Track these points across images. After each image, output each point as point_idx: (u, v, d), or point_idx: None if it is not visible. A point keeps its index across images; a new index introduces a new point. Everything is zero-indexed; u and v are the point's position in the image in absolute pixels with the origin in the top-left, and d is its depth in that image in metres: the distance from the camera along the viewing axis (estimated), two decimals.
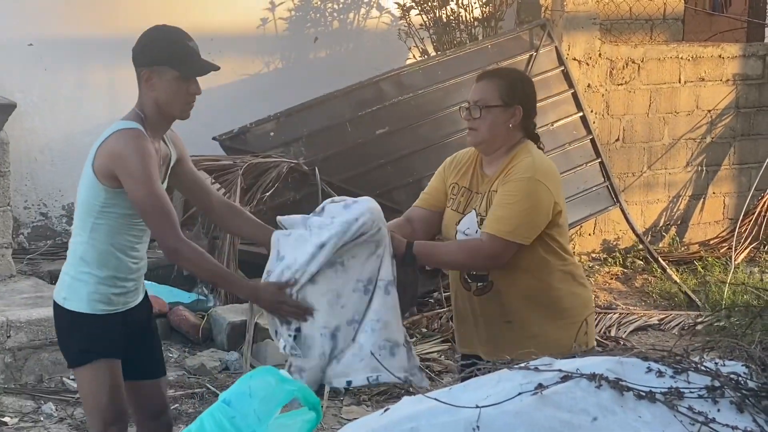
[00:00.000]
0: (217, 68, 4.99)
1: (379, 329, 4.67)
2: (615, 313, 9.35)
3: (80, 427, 6.92)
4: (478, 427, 3.01)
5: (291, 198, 8.56)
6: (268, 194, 8.42)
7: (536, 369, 3.25)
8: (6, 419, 6.95)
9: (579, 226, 10.24)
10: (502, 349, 4.79)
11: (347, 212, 4.67)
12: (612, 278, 10.27)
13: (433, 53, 9.93)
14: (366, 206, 4.72)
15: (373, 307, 4.69)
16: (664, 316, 9.43)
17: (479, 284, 5.01)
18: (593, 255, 10.57)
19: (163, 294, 8.41)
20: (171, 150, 5.11)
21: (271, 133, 8.65)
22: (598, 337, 8.90)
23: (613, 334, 9.02)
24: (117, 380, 5.06)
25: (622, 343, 8.83)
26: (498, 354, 4.67)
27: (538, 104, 9.33)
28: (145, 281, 5.37)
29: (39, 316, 7.57)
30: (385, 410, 3.27)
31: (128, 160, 4.76)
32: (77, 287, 4.98)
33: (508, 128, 4.98)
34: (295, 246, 4.69)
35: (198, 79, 4.99)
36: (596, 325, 9.04)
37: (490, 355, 4.90)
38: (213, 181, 8.65)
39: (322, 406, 4.49)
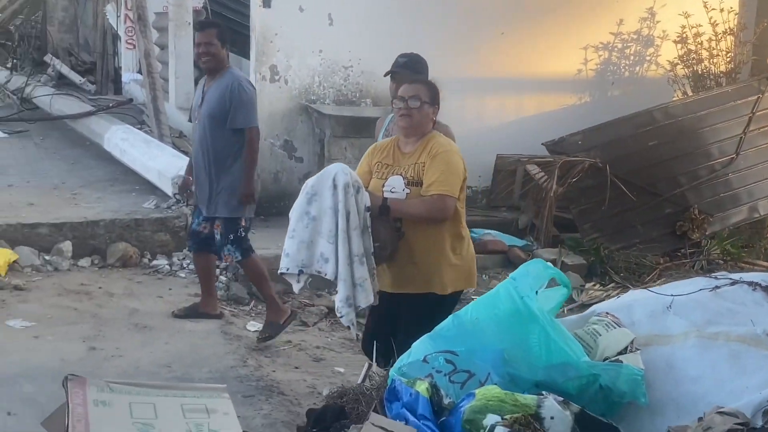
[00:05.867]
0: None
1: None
2: None
3: None
4: (671, 306, 3.10)
5: (589, 183, 8.56)
6: (574, 179, 8.46)
7: (715, 278, 3.29)
8: None
9: None
10: (406, 284, 4.51)
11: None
12: None
13: (691, 94, 9.66)
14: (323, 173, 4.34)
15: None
16: None
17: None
18: None
19: (504, 239, 8.45)
20: None
21: (579, 142, 8.64)
22: None
23: None
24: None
25: None
26: (402, 289, 4.48)
27: (762, 130, 9.16)
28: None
29: None
30: (618, 296, 3.39)
31: None
32: None
33: (430, 120, 4.57)
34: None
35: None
36: None
37: (396, 290, 4.53)
38: (539, 170, 8.80)
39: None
